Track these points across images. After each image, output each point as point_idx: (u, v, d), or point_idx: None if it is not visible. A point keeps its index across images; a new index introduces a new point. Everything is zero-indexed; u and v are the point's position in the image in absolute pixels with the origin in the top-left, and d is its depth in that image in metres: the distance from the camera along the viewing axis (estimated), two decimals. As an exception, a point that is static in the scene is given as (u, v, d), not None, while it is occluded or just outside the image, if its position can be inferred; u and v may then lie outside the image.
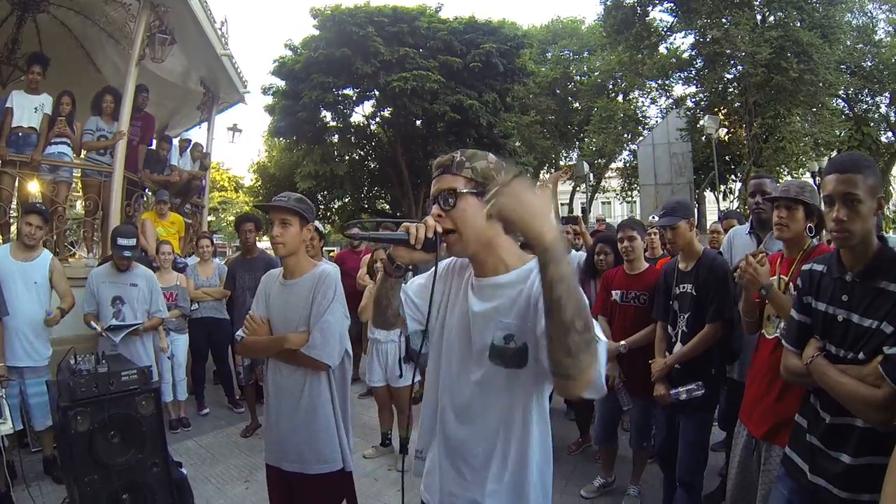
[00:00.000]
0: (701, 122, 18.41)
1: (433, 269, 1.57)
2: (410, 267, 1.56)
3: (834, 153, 20.14)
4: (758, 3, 17.83)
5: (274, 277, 2.60)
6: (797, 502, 1.92)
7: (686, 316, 3.09)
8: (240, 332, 2.54)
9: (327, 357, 2.37)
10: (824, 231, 3.11)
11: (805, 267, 1.98)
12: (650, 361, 3.27)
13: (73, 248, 6.98)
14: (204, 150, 8.36)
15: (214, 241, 6.71)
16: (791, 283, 2.48)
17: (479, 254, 1.53)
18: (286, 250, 2.41)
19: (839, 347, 1.78)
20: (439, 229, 1.44)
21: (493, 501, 1.47)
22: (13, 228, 5.91)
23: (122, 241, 4.28)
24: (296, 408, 2.43)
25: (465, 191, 1.45)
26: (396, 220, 1.66)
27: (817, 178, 18.88)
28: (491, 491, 1.47)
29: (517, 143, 24.36)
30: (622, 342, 3.58)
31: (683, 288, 3.13)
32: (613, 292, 3.75)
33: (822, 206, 1.95)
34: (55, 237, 5.91)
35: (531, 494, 1.47)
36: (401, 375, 4.37)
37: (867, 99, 21.97)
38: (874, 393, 1.60)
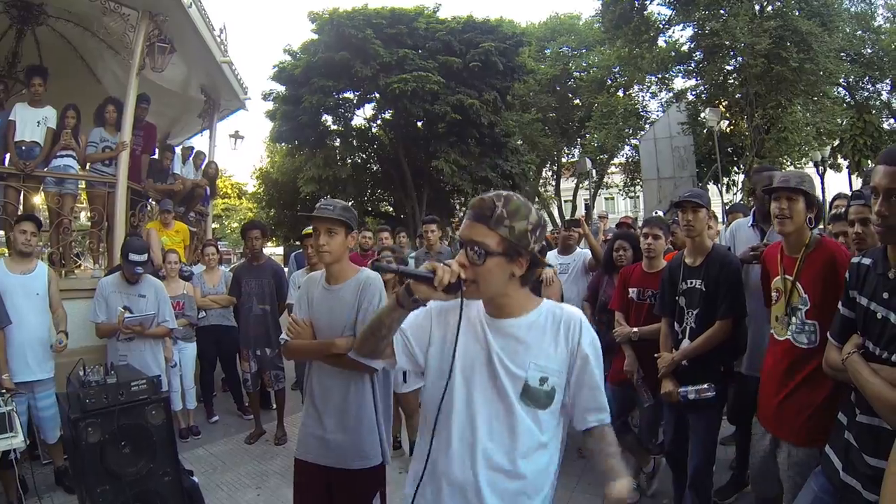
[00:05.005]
0: (702, 115, 18.32)
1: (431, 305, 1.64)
2: (425, 303, 1.58)
3: (836, 142, 20.09)
4: (755, -8, 17.77)
5: (316, 281, 2.65)
6: (827, 501, 1.90)
7: (695, 312, 3.05)
8: (283, 335, 2.59)
9: (374, 361, 2.41)
10: (822, 223, 3.10)
11: (854, 259, 1.94)
12: (656, 356, 3.23)
13: (80, 259, 7.00)
14: (207, 159, 8.39)
15: (220, 249, 6.72)
16: (799, 284, 2.45)
17: (494, 301, 1.60)
18: (332, 258, 2.48)
19: (876, 345, 1.74)
20: (464, 276, 1.46)
21: None
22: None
23: (133, 257, 4.28)
24: (343, 407, 2.49)
25: (496, 252, 1.46)
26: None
27: (820, 168, 18.83)
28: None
29: (519, 142, 24.36)
30: (634, 329, 3.59)
31: (691, 283, 3.10)
32: (630, 289, 3.73)
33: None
34: (61, 249, 5.93)
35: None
36: (405, 381, 4.37)
37: (868, 86, 21.90)
38: None
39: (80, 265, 6.80)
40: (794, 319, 2.45)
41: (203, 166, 8.17)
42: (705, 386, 2.91)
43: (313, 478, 2.54)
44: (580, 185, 28.66)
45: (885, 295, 1.72)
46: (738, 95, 18.55)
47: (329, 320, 2.53)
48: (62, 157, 5.86)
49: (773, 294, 2.61)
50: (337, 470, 2.49)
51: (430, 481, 1.60)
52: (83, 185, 6.56)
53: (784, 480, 2.41)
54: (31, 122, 5.70)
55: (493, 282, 1.50)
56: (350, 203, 24.70)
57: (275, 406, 5.47)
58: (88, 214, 6.70)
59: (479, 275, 1.47)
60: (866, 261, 1.86)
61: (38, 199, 6.16)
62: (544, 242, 1.56)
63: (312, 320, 2.57)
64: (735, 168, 21.39)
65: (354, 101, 22.75)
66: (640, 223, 6.31)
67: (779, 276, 2.57)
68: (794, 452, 2.39)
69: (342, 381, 2.49)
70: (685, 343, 3.09)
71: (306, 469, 2.57)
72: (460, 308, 1.52)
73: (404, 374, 4.35)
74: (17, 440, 3.15)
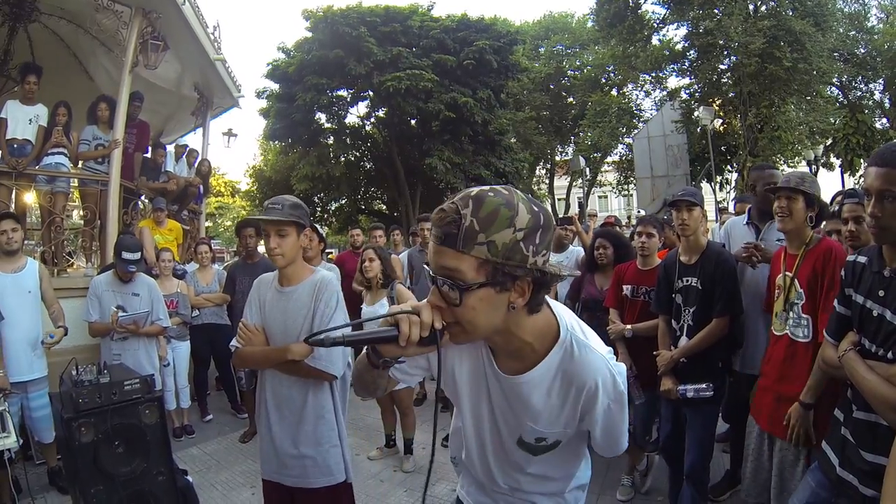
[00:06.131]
0: (696, 114, 18.41)
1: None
2: (402, 359, 1.28)
3: (829, 141, 20.19)
4: (750, -8, 17.82)
5: (268, 283, 2.49)
6: (823, 496, 1.93)
7: (692, 310, 3.09)
8: (234, 342, 2.42)
9: (333, 368, 2.31)
10: (824, 222, 3.16)
11: (850, 258, 1.96)
12: (655, 354, 3.27)
13: (72, 258, 6.97)
14: (201, 157, 8.35)
15: (213, 247, 6.70)
16: (797, 280, 2.53)
17: (494, 339, 1.22)
18: (285, 261, 2.34)
19: (872, 343, 1.76)
20: (438, 325, 1.09)
21: None
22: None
23: (126, 255, 4.24)
24: (299, 419, 2.36)
25: (476, 284, 1.05)
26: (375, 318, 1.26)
27: (813, 167, 18.93)
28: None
29: (512, 140, 24.36)
30: (628, 326, 3.61)
31: (687, 281, 3.13)
32: (625, 287, 3.76)
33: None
34: (53, 248, 5.90)
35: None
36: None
37: (861, 86, 22.02)
38: (895, 394, 1.60)
39: (72, 264, 6.76)
40: (791, 314, 2.55)
41: (196, 164, 8.14)
42: (704, 385, 2.96)
43: (278, 497, 2.45)
44: (574, 184, 28.70)
45: (881, 293, 1.74)
46: (731, 94, 18.60)
47: (283, 325, 2.37)
48: (54, 154, 5.84)
49: (776, 291, 2.69)
50: (299, 490, 2.38)
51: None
52: (75, 184, 6.53)
53: (773, 475, 2.49)
54: (23, 120, 5.66)
55: (482, 323, 1.10)
56: (343, 201, 24.73)
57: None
58: (81, 213, 6.66)
59: (460, 317, 1.09)
60: (862, 259, 1.87)
61: (31, 198, 6.12)
62: (548, 250, 1.14)
63: (265, 325, 2.42)
64: (728, 167, 21.47)
65: (348, 99, 22.70)
66: (633, 221, 6.34)
67: (781, 274, 2.65)
68: (783, 447, 2.47)
69: (299, 391, 2.36)
70: (683, 340, 3.13)
71: (271, 488, 2.47)
72: (438, 373, 1.15)
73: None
74: (9, 440, 3.14)
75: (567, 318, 1.27)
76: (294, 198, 2.43)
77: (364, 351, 1.29)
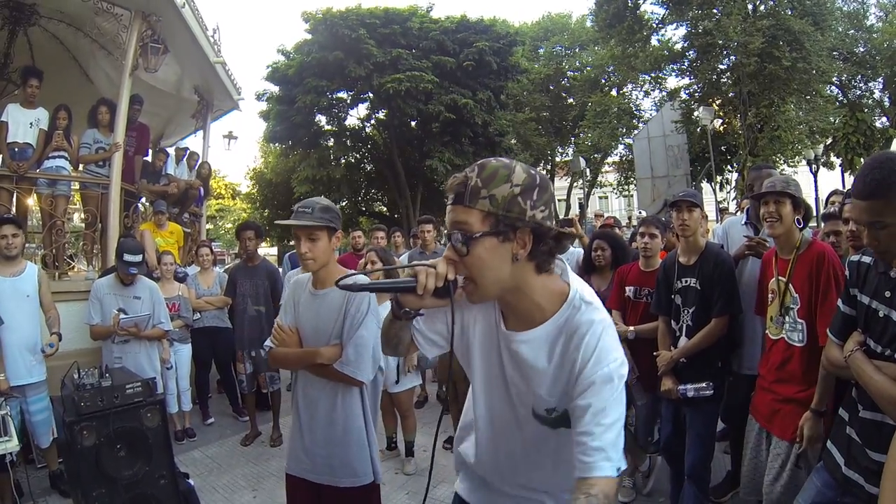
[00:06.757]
0: (696, 114, 18.43)
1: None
2: (421, 312, 1.37)
3: (829, 140, 20.18)
4: (748, -9, 17.83)
5: (303, 285, 2.48)
6: (829, 495, 1.94)
7: (691, 310, 3.10)
8: (268, 343, 2.45)
9: (361, 374, 2.30)
10: (823, 224, 3.18)
11: (853, 258, 1.96)
12: (655, 354, 3.28)
13: (73, 261, 6.97)
14: (201, 159, 8.36)
15: (214, 250, 6.70)
16: (791, 285, 2.55)
17: (505, 298, 1.31)
18: (317, 265, 2.31)
19: (878, 343, 1.77)
20: (451, 276, 1.21)
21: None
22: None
23: (128, 258, 4.24)
24: (329, 421, 2.37)
25: (480, 233, 1.18)
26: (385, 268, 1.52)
27: (813, 166, 18.92)
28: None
29: (513, 141, 24.41)
30: (631, 328, 3.60)
31: (686, 282, 3.14)
32: (627, 288, 3.75)
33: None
34: (54, 251, 5.91)
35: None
36: (397, 381, 4.36)
37: (860, 85, 22.06)
38: None
39: (73, 267, 6.76)
40: (787, 319, 2.56)
41: (197, 167, 8.14)
42: (704, 385, 2.97)
43: (304, 493, 2.45)
44: (574, 184, 28.69)
45: (887, 294, 1.74)
46: (731, 94, 18.62)
47: (315, 327, 2.38)
48: (54, 158, 5.83)
49: (770, 296, 2.71)
50: (326, 487, 2.39)
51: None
52: (76, 187, 6.54)
53: (767, 472, 2.53)
54: (24, 124, 5.66)
55: (491, 273, 1.21)
56: (343, 203, 24.75)
57: (271, 407, 5.46)
58: (82, 216, 6.66)
59: (470, 267, 1.21)
60: (866, 259, 1.88)
61: (32, 201, 6.12)
62: (551, 208, 1.26)
63: (298, 326, 2.43)
64: (728, 167, 21.49)
65: (348, 101, 22.77)
66: (634, 222, 6.36)
67: (774, 279, 2.67)
68: (777, 445, 2.52)
69: (329, 393, 2.37)
70: (683, 341, 3.14)
71: (296, 484, 2.47)
72: (450, 327, 1.26)
73: (398, 374, 4.36)
74: (11, 444, 3.14)
75: (580, 286, 1.33)
76: (325, 200, 2.40)
77: (389, 312, 1.41)
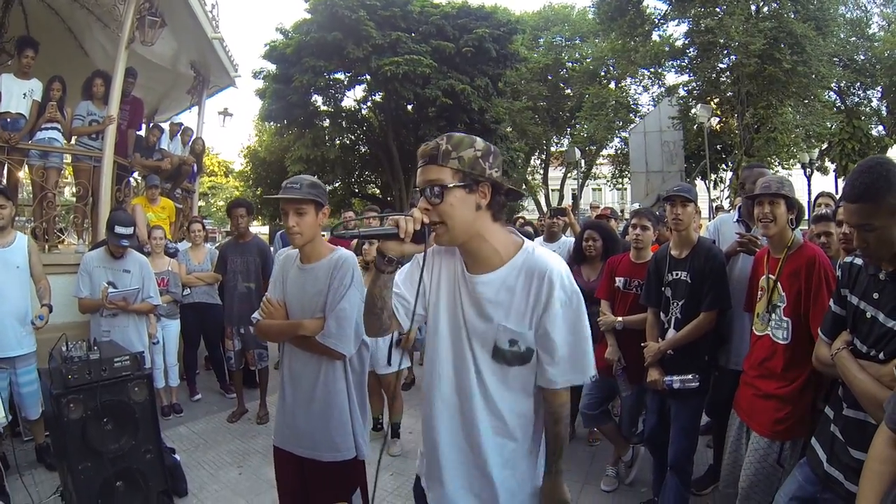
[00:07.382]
0: (693, 111, 18.39)
1: (418, 257, 1.63)
2: (402, 260, 1.56)
3: (825, 145, 20.24)
4: (752, -8, 17.76)
5: (291, 260, 2.54)
6: (809, 491, 1.98)
7: (680, 303, 3.13)
8: (256, 315, 2.51)
9: (343, 346, 2.33)
10: (813, 225, 3.21)
11: (846, 259, 1.99)
12: (643, 345, 3.31)
13: (63, 234, 6.92)
14: (195, 135, 8.28)
15: (205, 226, 6.67)
16: (780, 283, 2.59)
17: (469, 244, 1.57)
18: (304, 239, 2.36)
19: (864, 343, 1.80)
20: (427, 220, 1.46)
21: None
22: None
23: (119, 230, 4.22)
24: (311, 395, 2.41)
25: (452, 185, 1.47)
26: (380, 215, 1.74)
27: (807, 170, 18.99)
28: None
29: (508, 129, 24.33)
30: (619, 318, 3.64)
31: (677, 275, 3.17)
32: (617, 279, 3.78)
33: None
34: (45, 224, 5.86)
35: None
36: (389, 363, 4.37)
37: (859, 92, 22.01)
38: (885, 394, 1.62)
39: (63, 240, 6.71)
40: (773, 316, 2.61)
41: (190, 143, 8.08)
42: (690, 376, 3.00)
43: (290, 466, 2.49)
44: (568, 175, 28.69)
45: (875, 295, 1.78)
46: (729, 93, 18.57)
47: (301, 301, 2.45)
48: (47, 129, 5.77)
49: (759, 292, 2.75)
50: (309, 460, 2.43)
51: (425, 447, 1.73)
52: (68, 159, 6.47)
53: (745, 467, 2.59)
54: (17, 94, 5.60)
55: (460, 218, 1.49)
56: (337, 184, 24.64)
57: (259, 385, 5.48)
58: (73, 189, 6.60)
59: (442, 214, 1.47)
60: (858, 261, 1.91)
61: (23, 173, 6.06)
62: (502, 170, 1.59)
63: (286, 300, 2.49)
64: (723, 165, 21.51)
65: (345, 82, 22.60)
66: (626, 215, 6.41)
67: (764, 276, 2.71)
68: (755, 440, 2.57)
69: (313, 367, 2.41)
70: (671, 333, 3.17)
71: (283, 457, 2.52)
72: (423, 261, 1.54)
73: (389, 355, 4.37)
74: (-1, 416, 3.13)
75: (529, 251, 1.60)
76: (312, 177, 2.46)
77: (372, 268, 1.62)
